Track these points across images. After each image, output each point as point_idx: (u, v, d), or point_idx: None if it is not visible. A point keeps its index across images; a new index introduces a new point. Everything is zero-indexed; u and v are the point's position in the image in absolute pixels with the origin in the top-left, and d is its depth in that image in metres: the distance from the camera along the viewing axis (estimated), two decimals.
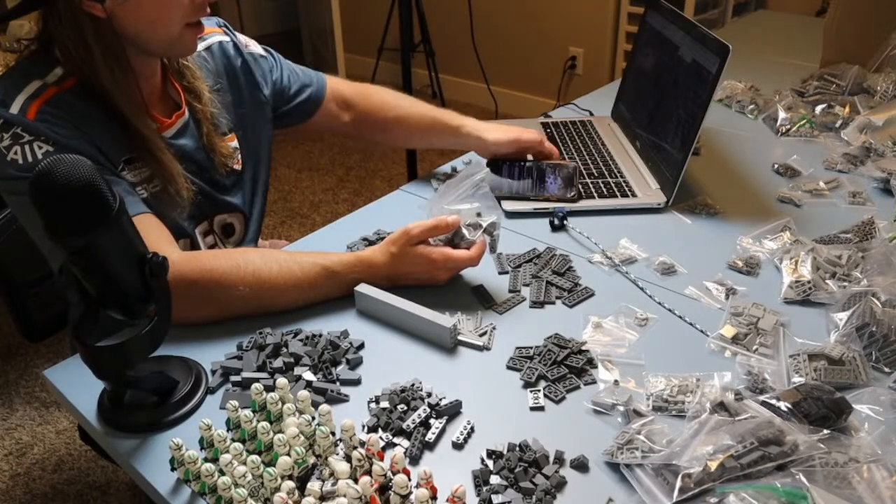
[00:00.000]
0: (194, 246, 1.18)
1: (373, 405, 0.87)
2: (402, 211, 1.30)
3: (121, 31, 1.00)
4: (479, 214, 1.06)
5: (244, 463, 0.75)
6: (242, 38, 1.27)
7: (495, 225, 1.07)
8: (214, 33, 1.24)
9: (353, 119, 1.37)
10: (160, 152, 1.06)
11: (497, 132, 1.35)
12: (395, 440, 0.82)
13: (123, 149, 1.04)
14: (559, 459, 0.79)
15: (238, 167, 1.24)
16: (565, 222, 1.23)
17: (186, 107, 1.14)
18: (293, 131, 1.36)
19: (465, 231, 1.05)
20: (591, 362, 0.93)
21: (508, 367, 0.93)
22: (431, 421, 0.84)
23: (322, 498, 0.74)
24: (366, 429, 0.84)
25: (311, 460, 0.78)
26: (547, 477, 0.76)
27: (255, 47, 1.28)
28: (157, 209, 1.06)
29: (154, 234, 0.99)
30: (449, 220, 1.03)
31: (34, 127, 0.95)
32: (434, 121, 1.36)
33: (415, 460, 0.80)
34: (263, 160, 1.30)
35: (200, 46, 1.19)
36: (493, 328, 1.00)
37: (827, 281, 1.04)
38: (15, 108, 0.96)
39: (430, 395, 0.88)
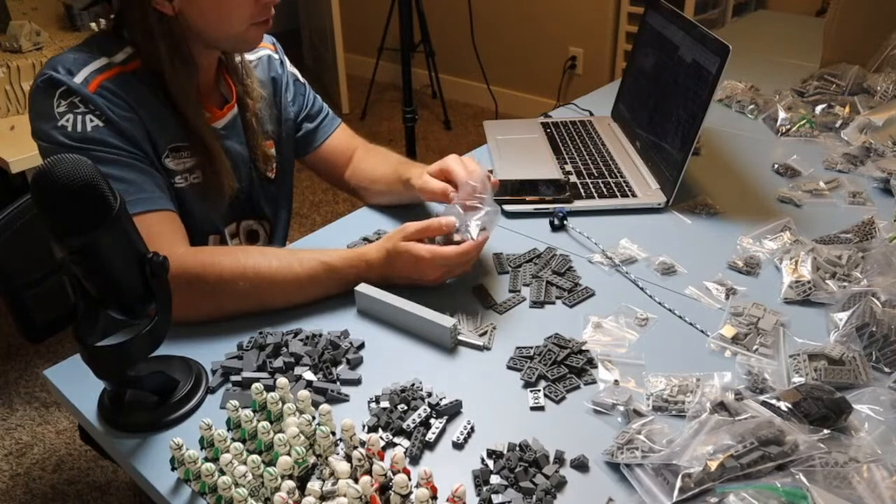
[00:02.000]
0: (223, 243, 1.21)
1: (373, 405, 0.87)
2: (401, 211, 1.30)
3: (188, 27, 1.04)
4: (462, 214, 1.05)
5: (244, 462, 0.75)
6: (287, 60, 1.32)
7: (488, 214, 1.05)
8: (266, 48, 1.28)
9: (349, 178, 1.36)
10: (213, 146, 1.10)
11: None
12: (396, 440, 0.82)
13: (173, 136, 1.07)
14: (559, 459, 0.79)
15: (272, 175, 1.28)
16: (565, 222, 1.23)
17: (237, 103, 1.18)
18: (300, 161, 1.38)
19: (463, 223, 1.04)
20: (591, 362, 0.93)
21: (508, 367, 0.93)
22: (431, 421, 0.84)
23: (322, 498, 0.74)
24: (366, 428, 0.84)
25: (312, 460, 0.78)
26: (547, 477, 0.76)
27: (295, 71, 1.33)
28: (193, 200, 1.10)
29: (167, 229, 1.01)
30: (442, 221, 1.03)
31: (92, 99, 0.99)
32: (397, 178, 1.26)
33: (415, 460, 0.80)
34: (289, 175, 1.34)
35: (251, 56, 1.24)
36: (493, 328, 1.00)
37: (827, 281, 1.04)
38: (79, 79, 0.99)
39: (430, 394, 0.88)
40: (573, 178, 1.38)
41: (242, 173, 1.20)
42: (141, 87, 1.04)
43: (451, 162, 1.14)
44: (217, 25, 1.04)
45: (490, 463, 0.79)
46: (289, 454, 0.76)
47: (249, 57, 1.23)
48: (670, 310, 1.03)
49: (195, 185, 1.11)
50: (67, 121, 0.98)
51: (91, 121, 0.98)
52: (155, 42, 1.02)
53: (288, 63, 1.32)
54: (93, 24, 2.42)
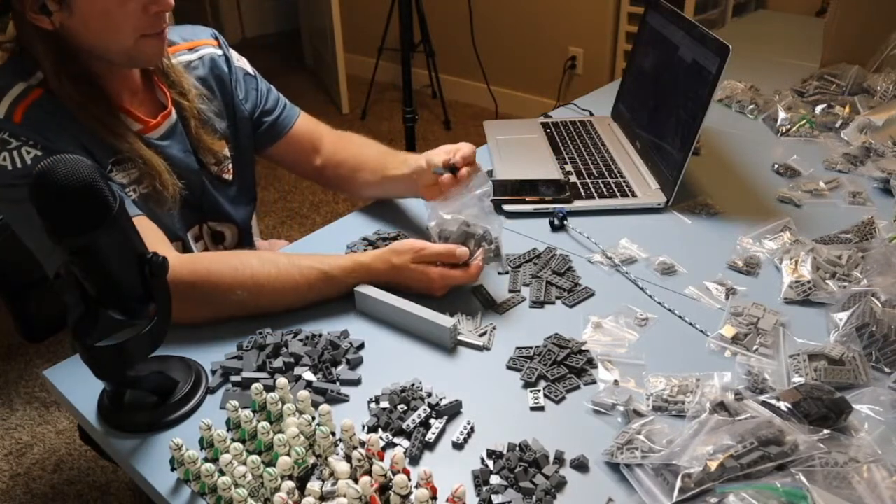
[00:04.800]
0: (186, 249, 1.17)
1: (373, 405, 0.87)
2: (402, 211, 1.30)
3: (74, 42, 0.98)
4: (467, 225, 1.06)
5: (244, 463, 0.75)
6: (234, 54, 1.26)
7: (489, 233, 1.06)
8: (207, 45, 1.22)
9: (322, 166, 1.32)
10: (140, 150, 1.05)
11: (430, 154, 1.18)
12: (395, 440, 0.82)
13: (110, 150, 1.03)
14: (559, 459, 0.79)
15: (229, 177, 1.24)
16: (565, 222, 1.23)
17: (173, 107, 1.13)
18: (261, 155, 1.33)
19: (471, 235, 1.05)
20: (591, 362, 0.93)
21: (508, 367, 0.93)
22: (431, 421, 0.84)
23: (322, 498, 0.74)
24: (366, 429, 0.84)
25: (311, 460, 0.78)
26: (547, 477, 0.76)
27: (244, 64, 1.27)
28: (147, 210, 1.06)
29: (150, 237, 0.98)
30: (457, 252, 1.03)
31: (21, 131, 0.95)
32: (385, 157, 1.27)
33: (415, 460, 0.80)
34: (250, 174, 1.30)
35: (192, 56, 1.19)
36: (493, 328, 1.00)
37: (827, 281, 1.04)
38: (0, 113, 0.95)
39: (430, 395, 0.88)
40: (573, 178, 1.38)
41: (192, 179, 1.15)
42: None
43: (434, 156, 1.13)
44: (104, 39, 0.98)
45: (490, 463, 0.79)
46: (288, 454, 0.76)
47: (190, 57, 1.18)
48: (670, 310, 1.03)
49: (144, 195, 1.07)
50: (4, 160, 0.93)
51: (28, 152, 0.94)
52: (42, 58, 0.97)
53: (235, 57, 1.25)
54: None
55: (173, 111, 1.13)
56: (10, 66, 1.01)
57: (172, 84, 1.13)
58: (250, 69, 1.28)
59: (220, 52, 1.23)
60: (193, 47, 1.20)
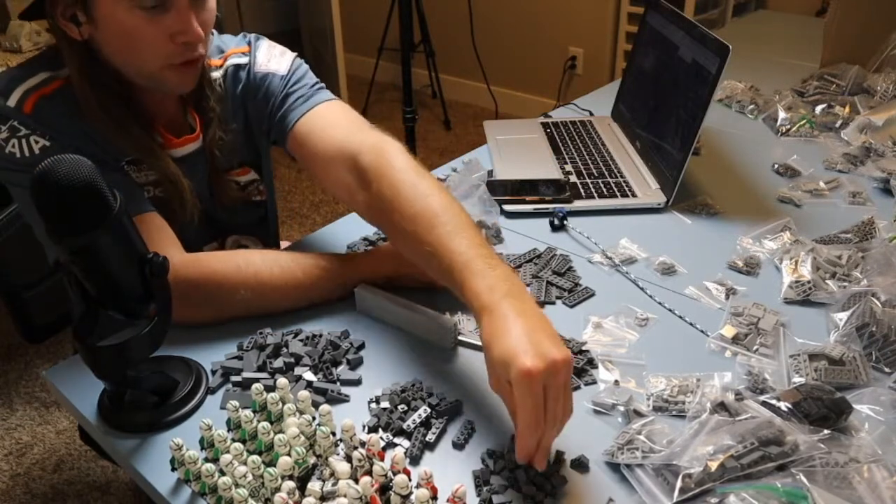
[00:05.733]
0: None
1: (373, 405, 0.87)
2: None
3: (102, 55, 0.98)
4: None
5: (244, 463, 0.75)
6: (263, 55, 1.15)
7: (484, 223, 1.06)
8: (234, 53, 1.15)
9: (368, 203, 1.00)
10: (168, 165, 1.05)
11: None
12: (396, 440, 0.82)
13: (126, 150, 1.03)
14: (559, 459, 0.79)
15: (260, 198, 1.22)
16: (565, 222, 1.23)
17: (202, 134, 1.11)
18: (291, 156, 1.17)
19: None
20: (591, 362, 0.93)
21: None
22: (432, 421, 0.84)
23: (322, 498, 0.74)
24: (366, 429, 0.84)
25: (312, 460, 0.78)
26: (547, 477, 0.76)
27: (274, 64, 1.14)
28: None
29: (157, 234, 0.98)
30: None
31: (30, 121, 0.95)
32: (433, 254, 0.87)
33: (415, 460, 0.80)
34: (272, 189, 1.29)
35: (218, 73, 1.13)
36: None
37: (827, 281, 1.04)
38: (12, 101, 0.96)
39: (430, 395, 0.87)
40: (573, 178, 1.38)
41: (203, 205, 1.13)
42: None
43: None
44: (128, 61, 0.97)
45: (490, 463, 0.79)
46: (289, 455, 0.76)
47: (217, 74, 1.13)
48: (670, 310, 1.03)
49: (159, 198, 1.06)
50: (14, 146, 0.94)
51: (36, 141, 0.94)
52: (67, 62, 0.97)
53: (260, 61, 1.14)
54: None
55: (201, 137, 1.12)
56: (43, 56, 1.01)
57: (203, 113, 1.11)
58: (283, 67, 1.14)
59: (245, 59, 1.14)
60: (224, 60, 1.14)
